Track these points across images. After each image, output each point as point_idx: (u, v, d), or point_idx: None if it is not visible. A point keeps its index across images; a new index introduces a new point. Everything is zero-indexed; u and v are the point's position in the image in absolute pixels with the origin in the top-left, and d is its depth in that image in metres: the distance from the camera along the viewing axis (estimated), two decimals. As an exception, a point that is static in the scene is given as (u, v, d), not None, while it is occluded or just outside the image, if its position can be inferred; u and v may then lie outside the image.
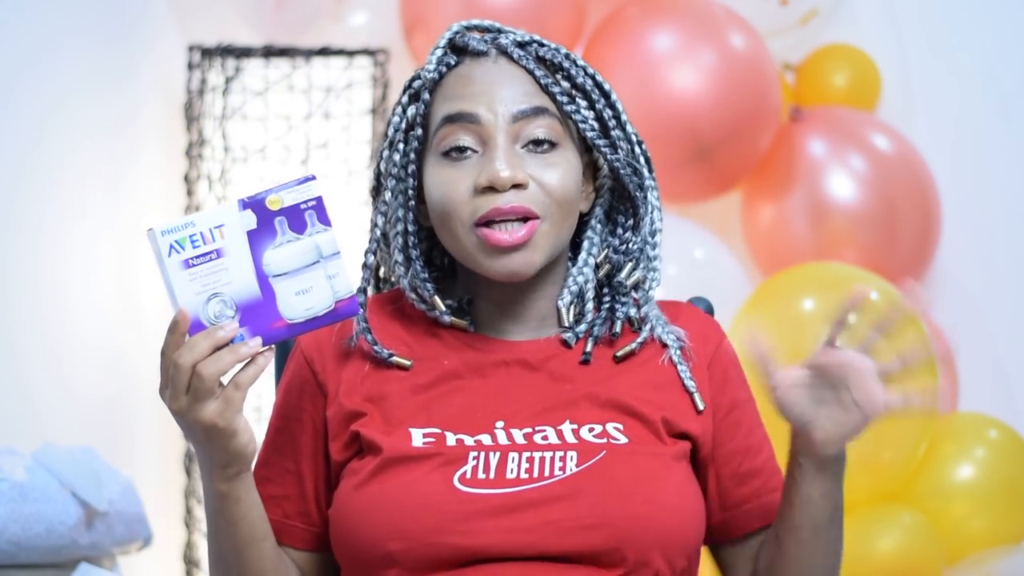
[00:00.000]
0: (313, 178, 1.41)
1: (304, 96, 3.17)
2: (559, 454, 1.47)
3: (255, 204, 1.40)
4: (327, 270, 1.41)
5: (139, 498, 2.47)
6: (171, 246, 1.38)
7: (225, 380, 1.39)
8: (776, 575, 1.53)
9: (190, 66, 3.18)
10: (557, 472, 1.45)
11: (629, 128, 1.57)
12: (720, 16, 3.14)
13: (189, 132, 3.18)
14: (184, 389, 1.37)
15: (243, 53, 3.16)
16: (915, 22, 3.46)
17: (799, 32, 3.40)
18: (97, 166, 3.14)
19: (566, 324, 1.55)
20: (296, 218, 1.40)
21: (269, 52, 3.17)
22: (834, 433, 1.46)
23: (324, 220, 1.41)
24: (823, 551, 1.53)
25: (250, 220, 1.40)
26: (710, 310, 1.76)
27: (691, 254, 3.09)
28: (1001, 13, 3.46)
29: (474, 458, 1.46)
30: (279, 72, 3.17)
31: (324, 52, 3.18)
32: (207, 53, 3.17)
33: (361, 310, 1.53)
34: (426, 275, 1.56)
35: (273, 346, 1.40)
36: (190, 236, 1.38)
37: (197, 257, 1.38)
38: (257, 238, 1.39)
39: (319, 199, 1.41)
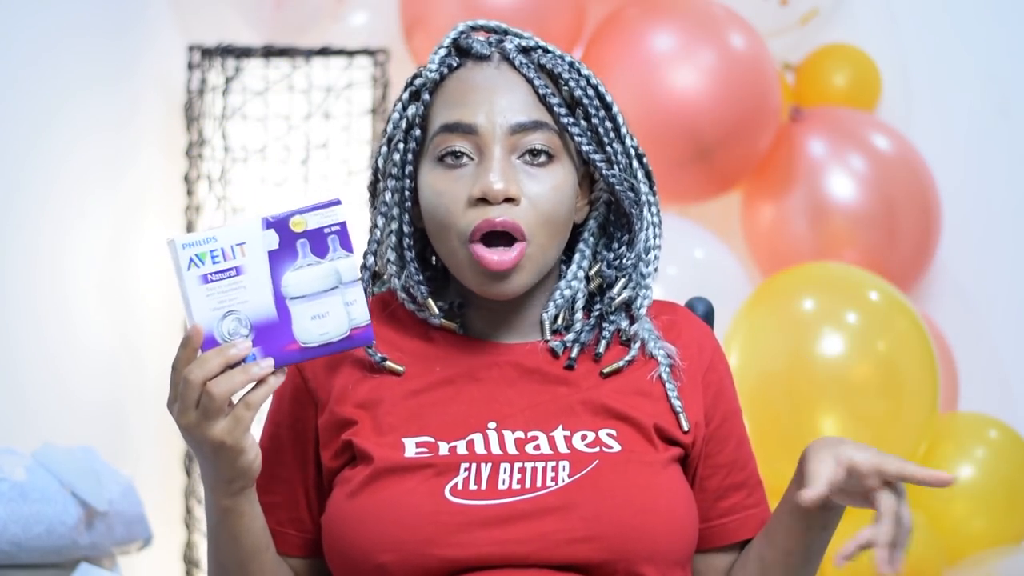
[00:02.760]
0: (338, 202, 1.41)
1: (304, 96, 3.17)
2: (551, 464, 1.46)
3: (279, 224, 1.39)
4: (345, 296, 1.40)
5: (139, 498, 2.46)
6: (191, 259, 1.37)
7: (234, 398, 1.39)
8: None
9: (190, 66, 3.18)
10: (549, 483, 1.45)
11: (628, 141, 1.56)
12: (720, 16, 3.14)
13: (189, 132, 3.18)
14: (193, 405, 1.37)
15: (243, 53, 3.16)
16: (915, 22, 3.46)
17: (799, 32, 3.40)
18: (97, 166, 3.14)
19: (547, 338, 1.54)
20: (319, 242, 1.40)
21: (269, 52, 3.16)
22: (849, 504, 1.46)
23: (347, 246, 1.40)
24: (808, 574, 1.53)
25: (272, 240, 1.39)
26: (710, 310, 1.76)
27: (691, 254, 3.09)
28: (1001, 13, 3.46)
29: (466, 469, 1.46)
30: (279, 72, 3.16)
31: (324, 52, 3.17)
32: (207, 53, 3.17)
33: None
34: (420, 277, 1.55)
35: (285, 368, 1.39)
36: (211, 251, 1.37)
37: (216, 273, 1.37)
38: (278, 259, 1.39)
39: (343, 224, 1.40)
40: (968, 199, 3.37)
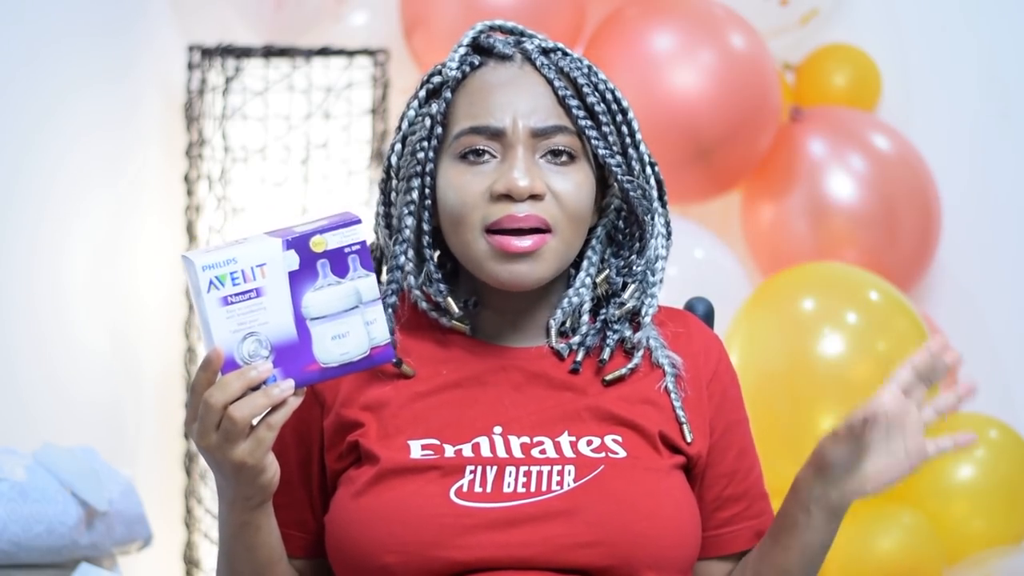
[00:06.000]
0: (359, 221, 1.40)
1: (304, 96, 3.17)
2: (557, 468, 1.46)
3: (299, 244, 1.38)
4: (365, 316, 1.39)
5: (139, 498, 2.46)
6: (211, 282, 1.36)
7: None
8: None
9: (190, 66, 3.18)
10: (555, 487, 1.45)
11: (643, 148, 1.56)
12: (720, 16, 3.14)
13: (189, 132, 3.18)
14: (214, 427, 1.36)
15: (243, 53, 3.16)
16: (915, 22, 3.46)
17: (799, 32, 3.41)
18: (96, 166, 3.14)
19: (552, 344, 1.54)
20: (339, 262, 1.39)
21: (269, 52, 3.16)
22: (877, 481, 1.46)
23: (367, 265, 1.40)
24: None
25: (293, 260, 1.38)
26: (710, 310, 1.76)
27: (691, 254, 3.09)
28: (1001, 13, 3.46)
29: (471, 471, 1.45)
30: (279, 72, 3.16)
31: (324, 52, 3.17)
32: (207, 53, 3.17)
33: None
34: (440, 275, 1.54)
35: (304, 388, 1.39)
36: (231, 273, 1.36)
37: (236, 295, 1.36)
38: (298, 279, 1.38)
39: (363, 243, 1.39)
40: (968, 199, 3.37)
